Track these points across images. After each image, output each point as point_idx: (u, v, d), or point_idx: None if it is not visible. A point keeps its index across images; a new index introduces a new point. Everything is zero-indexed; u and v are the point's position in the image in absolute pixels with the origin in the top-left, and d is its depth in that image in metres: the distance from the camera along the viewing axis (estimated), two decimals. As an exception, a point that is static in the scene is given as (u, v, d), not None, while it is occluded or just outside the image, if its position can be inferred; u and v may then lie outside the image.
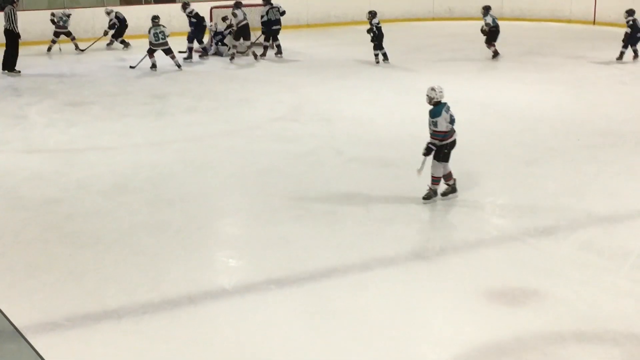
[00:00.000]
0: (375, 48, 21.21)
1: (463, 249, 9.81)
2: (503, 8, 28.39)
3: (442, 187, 11.36)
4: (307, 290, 8.69)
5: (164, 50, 20.78)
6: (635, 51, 21.25)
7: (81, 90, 18.60)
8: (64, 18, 24.03)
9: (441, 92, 11.03)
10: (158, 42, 20.67)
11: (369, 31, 21.18)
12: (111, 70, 21.30)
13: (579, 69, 20.56)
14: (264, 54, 22.26)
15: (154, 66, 20.84)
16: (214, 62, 21.71)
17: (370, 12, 21.09)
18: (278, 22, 21.97)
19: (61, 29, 24.08)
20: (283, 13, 22.09)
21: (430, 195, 11.20)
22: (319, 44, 24.56)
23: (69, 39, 24.27)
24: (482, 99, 17.31)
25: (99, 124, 15.77)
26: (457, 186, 11.55)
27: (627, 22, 21.20)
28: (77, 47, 24.24)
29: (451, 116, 11.03)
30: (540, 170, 12.73)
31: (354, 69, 20.25)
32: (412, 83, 18.87)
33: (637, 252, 9.57)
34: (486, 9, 21.59)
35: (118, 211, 11.04)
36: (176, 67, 20.84)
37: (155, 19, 21.00)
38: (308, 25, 27.19)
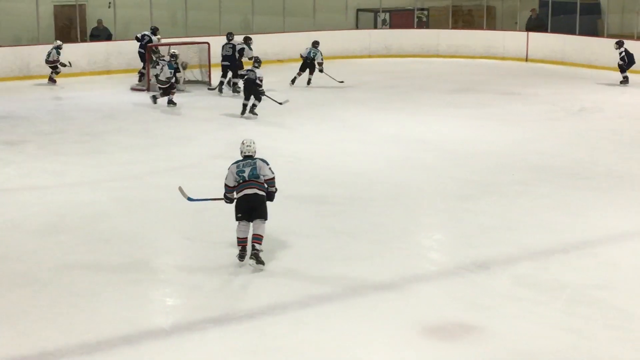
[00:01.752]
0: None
1: (400, 284, 9.87)
2: (439, 45, 28.85)
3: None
4: (247, 328, 8.66)
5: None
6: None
7: (16, 129, 18.37)
8: (53, 52, 23.19)
9: (249, 146, 10.42)
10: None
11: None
12: (47, 107, 21.07)
13: (512, 104, 20.90)
14: (219, 89, 22.20)
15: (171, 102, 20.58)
16: (148, 98, 21.57)
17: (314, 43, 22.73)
18: (227, 58, 21.98)
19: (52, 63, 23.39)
20: (240, 51, 22.06)
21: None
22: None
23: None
24: (417, 135, 17.49)
25: (34, 163, 15.56)
26: (394, 222, 11.66)
27: (620, 53, 23.06)
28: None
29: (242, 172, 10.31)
30: (476, 205, 12.89)
31: (293, 106, 20.33)
32: (350, 120, 18.97)
33: (571, 286, 9.73)
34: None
35: (53, 251, 10.90)
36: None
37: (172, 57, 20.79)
38: (244, 63, 27.19)
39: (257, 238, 10.12)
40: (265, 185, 10.35)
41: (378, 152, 16.23)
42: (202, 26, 26.87)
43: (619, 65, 23.35)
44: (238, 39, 22.59)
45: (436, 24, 30.60)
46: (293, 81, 23.22)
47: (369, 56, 28.81)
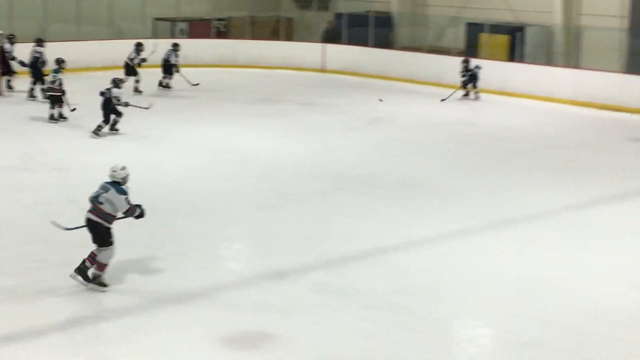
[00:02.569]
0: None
1: (200, 295, 9.86)
2: (237, 55, 28.93)
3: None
4: (39, 345, 8.41)
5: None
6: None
7: None
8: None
9: (114, 171, 10.28)
10: None
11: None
12: None
13: (311, 115, 21.27)
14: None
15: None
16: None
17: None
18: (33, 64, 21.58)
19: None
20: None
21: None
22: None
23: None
24: (218, 145, 17.49)
25: None
26: (194, 232, 11.61)
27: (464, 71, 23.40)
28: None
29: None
30: (275, 214, 13.05)
31: (89, 115, 19.86)
32: (149, 130, 18.71)
33: (365, 292, 10.01)
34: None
35: None
36: None
37: None
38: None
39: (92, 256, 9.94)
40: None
41: (179, 162, 16.12)
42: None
43: (463, 82, 23.61)
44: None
45: (235, 34, 30.74)
46: (160, 84, 23.94)
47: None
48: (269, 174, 15.42)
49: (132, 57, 23.40)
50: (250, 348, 8.62)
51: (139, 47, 23.49)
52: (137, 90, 23.07)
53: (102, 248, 9.93)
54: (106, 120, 18.05)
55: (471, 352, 8.88)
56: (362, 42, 28.08)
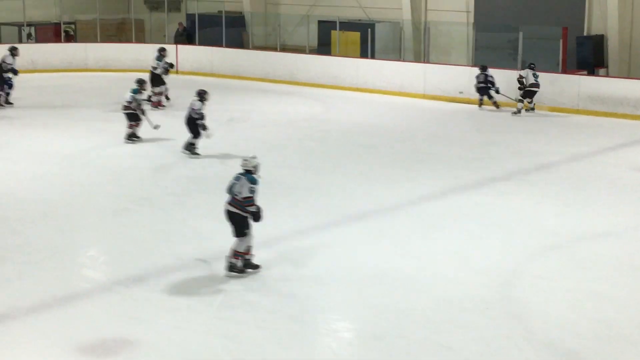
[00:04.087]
0: None
1: (54, 304, 9.66)
2: (88, 59, 28.39)
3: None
4: None
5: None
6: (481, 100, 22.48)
7: None
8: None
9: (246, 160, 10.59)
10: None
11: None
12: None
13: (164, 117, 20.95)
14: None
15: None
16: None
17: None
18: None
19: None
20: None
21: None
22: None
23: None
24: (67, 151, 17.08)
25: None
26: (45, 241, 11.37)
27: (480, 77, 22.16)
28: None
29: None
30: (130, 219, 12.89)
31: None
32: (2, 138, 18.23)
33: (225, 291, 10.02)
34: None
35: None
36: None
37: None
38: None
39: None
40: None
41: (25, 170, 15.69)
42: None
43: (481, 89, 22.24)
44: None
45: (84, 38, 30.14)
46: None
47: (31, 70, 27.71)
48: (123, 178, 15.21)
49: (155, 65, 22.21)
50: (108, 356, 8.50)
51: (162, 53, 22.25)
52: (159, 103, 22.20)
53: (239, 238, 10.37)
54: (195, 135, 16.83)
55: (332, 345, 9.00)
56: (215, 42, 28.00)
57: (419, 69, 24.59)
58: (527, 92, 21.43)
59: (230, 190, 10.47)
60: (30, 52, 28.44)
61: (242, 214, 10.39)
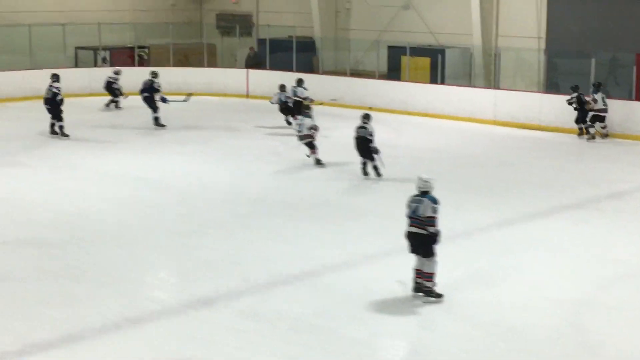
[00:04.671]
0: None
1: (125, 325, 9.75)
2: (160, 82, 28.76)
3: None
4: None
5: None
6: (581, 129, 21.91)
7: None
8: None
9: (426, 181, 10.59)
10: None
11: None
12: None
13: (234, 140, 21.23)
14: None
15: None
16: None
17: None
18: (47, 101, 20.81)
19: None
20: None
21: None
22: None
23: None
24: (140, 173, 17.35)
25: None
26: (117, 262, 11.51)
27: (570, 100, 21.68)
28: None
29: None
30: (198, 240, 12.99)
31: (6, 145, 19.61)
32: (70, 159, 18.49)
33: (292, 316, 10.01)
34: None
35: None
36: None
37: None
38: None
39: (417, 272, 10.55)
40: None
41: (99, 191, 15.94)
42: None
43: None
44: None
45: (157, 62, 30.58)
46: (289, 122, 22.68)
47: (90, 94, 28.26)
48: (191, 200, 15.35)
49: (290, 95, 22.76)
50: (175, 376, 8.56)
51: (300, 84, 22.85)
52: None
53: (426, 259, 10.33)
54: (369, 157, 16.99)
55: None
56: (285, 67, 28.16)
57: (489, 95, 24.39)
58: (596, 116, 21.11)
59: (414, 212, 10.47)
60: (105, 76, 29.04)
61: (426, 234, 10.43)
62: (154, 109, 22.64)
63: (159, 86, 22.71)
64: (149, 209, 14.79)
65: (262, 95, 28.09)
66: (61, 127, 20.76)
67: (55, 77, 21.47)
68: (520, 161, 19.28)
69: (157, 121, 22.55)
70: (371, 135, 16.85)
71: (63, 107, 20.87)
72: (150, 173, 17.48)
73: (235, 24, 32.18)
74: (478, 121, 23.97)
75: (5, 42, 27.78)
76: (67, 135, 20.51)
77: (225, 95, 28.82)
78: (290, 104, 22.57)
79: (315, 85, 27.30)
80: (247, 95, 28.79)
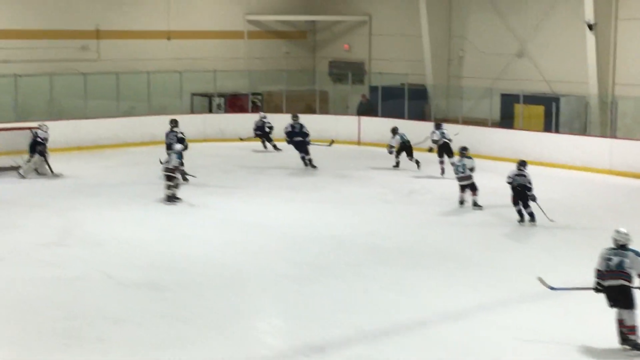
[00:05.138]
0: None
1: (236, 371, 9.84)
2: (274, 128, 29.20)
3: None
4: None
5: None
6: None
7: None
8: None
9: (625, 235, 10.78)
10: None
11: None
12: None
13: (346, 187, 21.31)
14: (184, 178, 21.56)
15: None
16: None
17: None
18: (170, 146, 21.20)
19: None
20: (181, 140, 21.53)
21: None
22: (90, 166, 24.23)
23: None
24: (253, 218, 17.55)
25: None
26: (229, 306, 11.63)
27: None
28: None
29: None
30: (311, 287, 13.03)
31: (125, 190, 20.13)
32: (184, 203, 18.84)
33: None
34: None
35: None
36: None
37: None
38: (79, 148, 26.80)
39: (620, 323, 10.49)
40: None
41: (213, 235, 16.19)
42: (31, 111, 26.27)
43: None
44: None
45: (271, 108, 31.04)
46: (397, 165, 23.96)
47: (205, 140, 28.86)
48: (305, 247, 15.43)
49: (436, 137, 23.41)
50: None
51: (438, 128, 23.60)
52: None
53: (626, 310, 10.39)
54: (525, 205, 17.04)
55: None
56: (396, 114, 28.18)
57: (605, 144, 23.90)
58: None
59: (619, 265, 10.40)
60: (219, 122, 29.65)
61: (629, 285, 10.38)
62: (306, 151, 23.60)
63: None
64: (261, 254, 14.94)
65: (373, 142, 28.22)
66: (183, 172, 21.20)
67: (175, 123, 22.06)
68: (638, 212, 18.73)
69: (310, 162, 23.59)
70: (530, 183, 16.92)
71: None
72: (262, 218, 17.67)
73: (347, 71, 32.44)
74: (593, 170, 23.48)
75: (126, 88, 28.63)
76: (186, 180, 20.93)
77: (336, 141, 28.98)
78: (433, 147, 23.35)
79: (427, 132, 27.28)
80: (359, 142, 28.92)
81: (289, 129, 24.31)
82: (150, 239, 15.92)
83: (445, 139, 23.17)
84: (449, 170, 20.47)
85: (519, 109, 26.38)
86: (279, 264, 14.36)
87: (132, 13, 31.10)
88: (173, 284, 13.00)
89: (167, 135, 21.92)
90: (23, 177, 21.67)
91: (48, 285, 12.92)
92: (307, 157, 23.60)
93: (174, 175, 18.98)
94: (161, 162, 19.35)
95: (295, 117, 24.52)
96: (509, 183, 17.14)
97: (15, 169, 22.19)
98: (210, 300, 12.30)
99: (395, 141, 23.83)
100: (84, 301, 12.15)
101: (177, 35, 32.17)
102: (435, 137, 23.40)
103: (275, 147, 27.10)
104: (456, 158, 19.50)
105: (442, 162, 22.84)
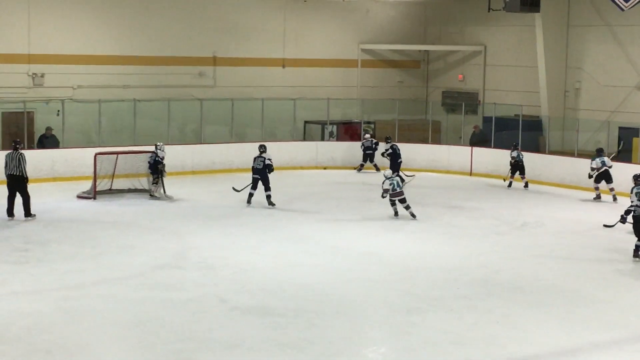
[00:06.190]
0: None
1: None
2: (382, 158, 29.21)
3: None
4: None
5: None
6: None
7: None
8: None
9: None
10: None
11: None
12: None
13: (457, 218, 21.14)
14: (249, 201, 21.99)
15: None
16: (94, 206, 21.48)
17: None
18: (257, 171, 21.68)
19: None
20: (269, 166, 21.83)
21: None
22: (204, 190, 24.70)
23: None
24: (362, 248, 17.57)
25: (-25, 271, 15.31)
26: (339, 335, 11.62)
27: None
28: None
29: None
30: (420, 319, 12.94)
31: (239, 215, 20.42)
32: (296, 231, 19.04)
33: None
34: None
35: (-8, 362, 10.67)
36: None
37: None
38: (193, 172, 27.36)
39: None
40: None
41: (324, 263, 16.27)
42: (149, 134, 26.96)
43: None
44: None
45: (382, 138, 31.09)
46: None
47: (316, 167, 29.11)
48: (415, 278, 15.35)
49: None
50: None
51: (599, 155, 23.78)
52: None
53: None
54: None
55: None
56: (510, 146, 27.86)
57: None
58: None
59: None
60: (331, 149, 29.87)
61: None
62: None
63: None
64: (372, 284, 14.93)
65: (486, 174, 27.96)
66: (268, 197, 21.48)
67: (264, 148, 22.35)
68: None
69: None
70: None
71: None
72: (372, 247, 17.67)
73: (461, 101, 32.33)
74: None
75: (240, 115, 29.14)
76: (273, 204, 21.20)
77: (447, 172, 28.86)
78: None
79: (541, 165, 26.93)
80: (471, 173, 28.69)
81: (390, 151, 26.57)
82: (263, 265, 16.08)
83: (606, 166, 23.26)
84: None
85: (638, 142, 25.76)
86: (389, 293, 14.32)
87: (248, 41, 31.70)
88: (285, 311, 13.09)
89: (255, 159, 22.14)
90: (157, 197, 22.71)
91: (162, 307, 13.17)
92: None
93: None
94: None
95: (388, 139, 26.76)
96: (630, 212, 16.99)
97: (132, 191, 22.86)
98: (321, 328, 12.34)
99: (596, 164, 23.60)
100: (198, 324, 12.34)
101: (291, 63, 32.67)
102: (594, 165, 23.43)
103: (376, 166, 27.93)
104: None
105: (597, 189, 23.41)
